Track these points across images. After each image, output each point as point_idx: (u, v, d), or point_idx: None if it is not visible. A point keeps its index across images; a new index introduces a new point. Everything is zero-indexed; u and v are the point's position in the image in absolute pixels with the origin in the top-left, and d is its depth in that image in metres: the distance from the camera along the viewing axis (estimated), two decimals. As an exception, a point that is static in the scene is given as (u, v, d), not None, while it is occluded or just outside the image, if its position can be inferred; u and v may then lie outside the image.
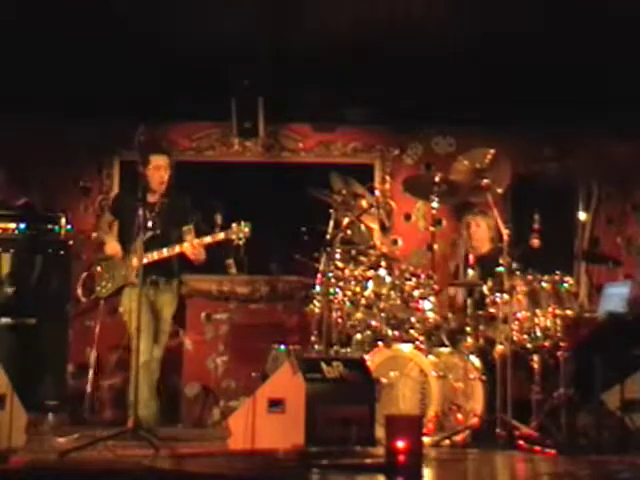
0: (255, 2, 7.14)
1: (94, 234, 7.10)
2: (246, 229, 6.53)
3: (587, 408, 6.16)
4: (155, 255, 6.60)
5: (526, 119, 8.21)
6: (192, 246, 6.60)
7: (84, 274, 6.83)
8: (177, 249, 6.64)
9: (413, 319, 6.55)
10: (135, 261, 6.51)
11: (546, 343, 6.30)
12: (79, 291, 6.79)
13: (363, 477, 4.68)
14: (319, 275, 6.93)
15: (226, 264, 6.70)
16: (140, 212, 5.94)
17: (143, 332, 6.37)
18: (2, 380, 5.57)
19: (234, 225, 6.56)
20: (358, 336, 6.68)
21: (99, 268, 6.83)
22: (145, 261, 6.19)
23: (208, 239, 6.60)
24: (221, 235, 6.56)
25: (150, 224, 6.60)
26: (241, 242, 6.55)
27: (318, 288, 6.93)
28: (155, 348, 6.74)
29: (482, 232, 7.26)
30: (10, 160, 8.13)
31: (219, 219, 6.58)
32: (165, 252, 6.63)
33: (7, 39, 7.37)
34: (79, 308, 7.32)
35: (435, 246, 6.85)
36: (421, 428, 4.85)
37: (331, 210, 7.19)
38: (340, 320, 6.71)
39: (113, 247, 6.80)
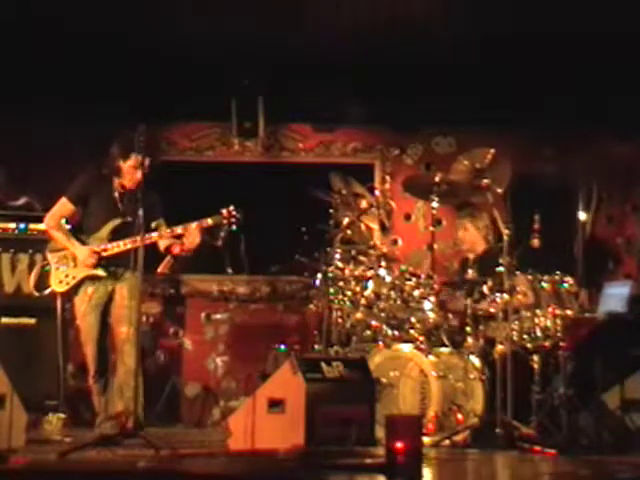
0: (255, 2, 7.14)
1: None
2: (237, 215, 6.14)
3: (587, 408, 6.15)
4: (128, 243, 6.06)
5: (526, 119, 8.20)
6: (169, 235, 6.14)
7: (37, 266, 6.56)
8: (154, 236, 6.10)
9: (413, 319, 6.55)
10: (95, 246, 6.15)
11: (546, 343, 6.29)
12: (31, 284, 6.53)
13: (363, 477, 4.67)
14: (319, 275, 6.93)
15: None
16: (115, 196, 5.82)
17: (92, 339, 6.20)
18: (2, 380, 5.57)
19: (224, 210, 6.15)
20: (358, 336, 6.69)
21: (53, 259, 6.29)
22: (116, 250, 6.04)
23: (194, 225, 6.09)
24: (208, 221, 6.13)
25: (121, 211, 6.24)
26: (233, 228, 6.16)
27: (318, 288, 6.94)
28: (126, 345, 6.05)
29: (471, 235, 7.25)
30: (10, 160, 8.12)
31: (222, 233, 6.43)
32: (136, 241, 5.85)
33: (7, 39, 7.37)
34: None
35: (435, 246, 6.85)
36: (421, 428, 4.84)
37: (331, 210, 7.19)
38: (340, 320, 6.72)
39: (81, 251, 6.21)
